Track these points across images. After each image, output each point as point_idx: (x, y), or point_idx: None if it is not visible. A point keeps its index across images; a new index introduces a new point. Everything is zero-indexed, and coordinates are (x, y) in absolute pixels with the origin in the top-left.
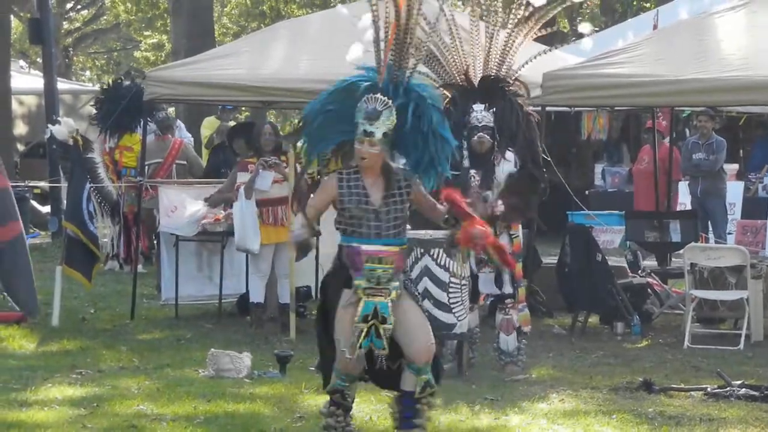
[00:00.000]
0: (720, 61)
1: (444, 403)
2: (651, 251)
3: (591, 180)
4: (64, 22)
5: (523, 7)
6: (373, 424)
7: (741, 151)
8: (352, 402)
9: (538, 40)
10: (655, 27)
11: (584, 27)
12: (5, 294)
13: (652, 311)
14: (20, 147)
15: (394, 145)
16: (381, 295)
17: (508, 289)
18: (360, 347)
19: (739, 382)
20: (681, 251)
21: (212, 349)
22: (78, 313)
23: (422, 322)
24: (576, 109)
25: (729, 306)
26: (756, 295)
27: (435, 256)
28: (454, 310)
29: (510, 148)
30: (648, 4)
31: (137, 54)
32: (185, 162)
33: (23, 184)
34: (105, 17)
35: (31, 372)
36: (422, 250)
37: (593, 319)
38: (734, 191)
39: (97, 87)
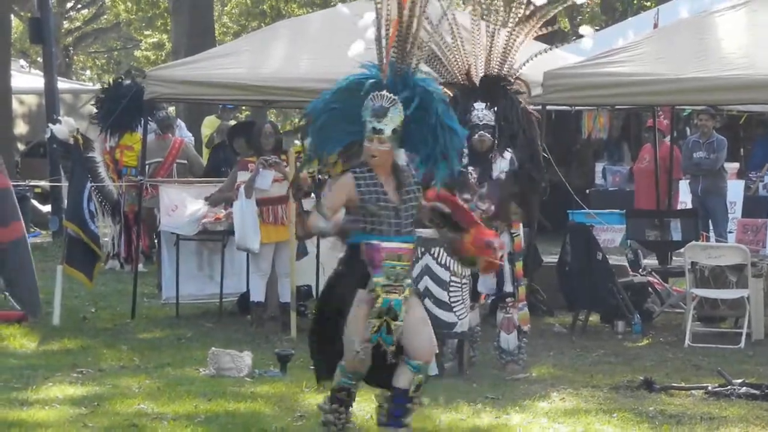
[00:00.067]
0: (720, 59)
1: (445, 402)
2: (652, 250)
3: (592, 179)
4: (65, 22)
5: (523, 6)
6: (374, 423)
7: (742, 149)
8: (354, 399)
9: (538, 38)
10: (655, 26)
11: (584, 30)
12: (6, 293)
13: (652, 310)
14: (21, 146)
15: (402, 142)
16: (396, 292)
17: (508, 287)
18: (369, 341)
19: (739, 380)
20: (682, 250)
21: (213, 348)
22: (79, 312)
23: (426, 319)
24: (577, 108)
25: (730, 305)
26: (756, 293)
27: (436, 255)
28: (454, 309)
29: (509, 149)
30: (648, 3)
31: (137, 53)
32: (186, 161)
33: (24, 183)
34: (105, 16)
35: (32, 371)
36: (423, 249)
37: (594, 318)
38: (735, 190)
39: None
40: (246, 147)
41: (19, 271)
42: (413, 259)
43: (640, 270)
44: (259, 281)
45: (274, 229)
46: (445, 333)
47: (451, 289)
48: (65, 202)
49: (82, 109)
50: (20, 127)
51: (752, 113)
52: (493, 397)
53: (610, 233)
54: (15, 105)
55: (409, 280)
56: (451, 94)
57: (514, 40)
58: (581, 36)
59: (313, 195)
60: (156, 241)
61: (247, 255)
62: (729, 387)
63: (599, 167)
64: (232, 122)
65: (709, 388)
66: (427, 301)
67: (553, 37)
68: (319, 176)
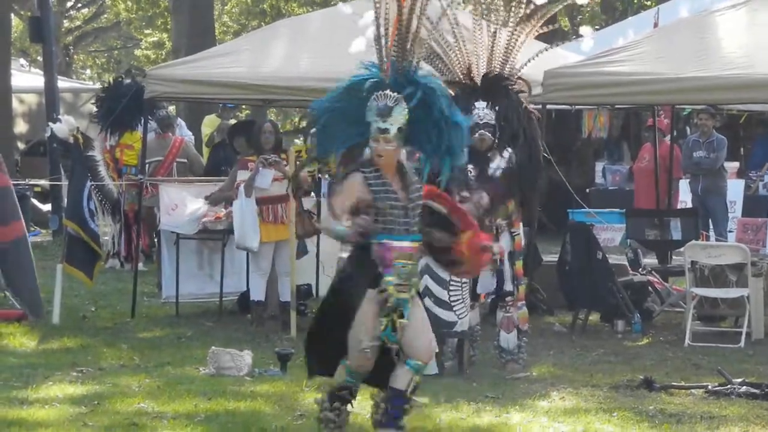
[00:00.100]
0: (721, 59)
1: (445, 401)
2: (652, 249)
3: (592, 178)
4: (65, 21)
5: (524, 6)
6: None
7: (742, 149)
8: (355, 398)
9: (538, 38)
10: (655, 25)
11: (584, 30)
12: (6, 292)
13: (652, 309)
14: (21, 145)
15: (407, 140)
16: (405, 291)
17: (508, 286)
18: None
19: (739, 380)
20: (681, 249)
21: (213, 347)
22: (79, 311)
23: (426, 319)
24: (577, 107)
25: (730, 304)
26: (756, 292)
27: None
28: (454, 308)
29: (509, 149)
30: (649, 2)
31: (138, 52)
32: (186, 160)
33: (24, 182)
34: (105, 15)
35: (32, 370)
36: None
37: (594, 317)
38: (735, 189)
39: (97, 85)
40: (246, 146)
41: (20, 270)
42: (419, 257)
43: (640, 269)
44: (259, 280)
45: (273, 228)
46: (445, 332)
47: (451, 288)
48: (65, 200)
49: (82, 108)
50: (20, 126)
51: (752, 112)
52: (493, 396)
53: (610, 232)
54: (15, 104)
55: (415, 279)
56: (452, 93)
57: (516, 40)
58: (581, 35)
59: (312, 194)
60: (156, 240)
61: (247, 254)
62: (729, 386)
63: (599, 166)
64: (232, 121)
65: (709, 387)
66: (427, 300)
67: (553, 36)
68: (319, 175)
